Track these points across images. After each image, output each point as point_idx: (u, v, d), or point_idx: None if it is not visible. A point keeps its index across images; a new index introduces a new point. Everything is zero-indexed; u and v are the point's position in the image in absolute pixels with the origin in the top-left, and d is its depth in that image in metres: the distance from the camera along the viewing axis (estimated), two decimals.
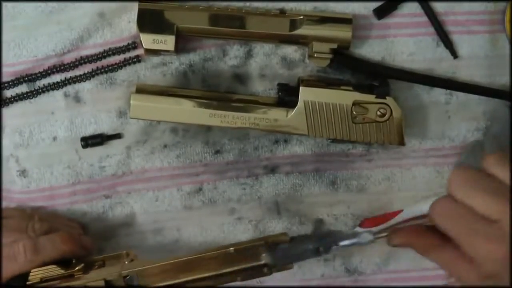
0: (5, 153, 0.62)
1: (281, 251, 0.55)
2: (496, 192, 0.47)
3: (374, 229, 0.57)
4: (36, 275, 0.55)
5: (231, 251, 0.55)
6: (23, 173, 0.63)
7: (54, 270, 0.56)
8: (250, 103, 0.60)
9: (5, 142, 0.62)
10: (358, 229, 0.59)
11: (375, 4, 0.61)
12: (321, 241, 0.55)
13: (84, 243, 0.60)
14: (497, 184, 0.48)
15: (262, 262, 0.55)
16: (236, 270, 0.55)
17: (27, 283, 0.55)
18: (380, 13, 0.61)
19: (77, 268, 0.56)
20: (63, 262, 0.56)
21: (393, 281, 0.66)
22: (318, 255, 0.55)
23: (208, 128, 0.63)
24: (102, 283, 0.54)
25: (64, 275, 0.56)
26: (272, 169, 0.64)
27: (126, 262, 0.56)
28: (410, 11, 0.61)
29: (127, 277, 0.55)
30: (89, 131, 0.62)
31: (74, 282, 0.55)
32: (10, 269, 0.55)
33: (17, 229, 0.58)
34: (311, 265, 0.66)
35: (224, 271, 0.55)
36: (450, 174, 0.50)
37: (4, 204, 0.63)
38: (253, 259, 0.55)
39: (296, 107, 0.59)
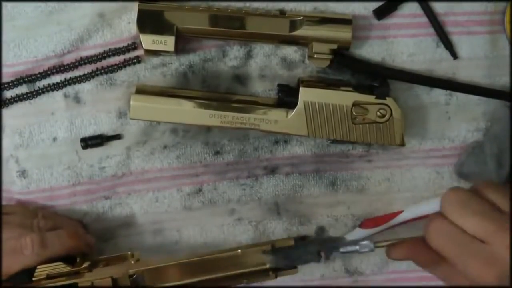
0: (5, 153, 0.62)
1: (283, 254, 0.55)
2: (487, 214, 0.48)
3: (375, 229, 0.57)
4: (42, 271, 0.55)
5: (238, 253, 0.55)
6: (23, 173, 0.62)
7: (60, 267, 0.56)
8: (250, 104, 0.60)
9: (5, 142, 0.62)
10: (358, 229, 0.60)
11: (375, 5, 0.61)
12: (323, 246, 0.55)
13: (88, 240, 0.60)
14: (489, 206, 0.48)
15: (267, 265, 0.55)
16: (242, 273, 0.55)
17: (33, 279, 0.55)
18: (380, 13, 0.61)
19: (83, 266, 0.56)
20: (67, 259, 0.57)
21: (393, 281, 0.66)
22: (319, 259, 0.56)
23: (208, 129, 0.63)
24: (109, 281, 0.55)
25: (70, 273, 0.56)
26: (272, 170, 0.64)
27: (132, 262, 0.56)
28: (410, 12, 0.61)
29: (134, 276, 0.55)
30: (89, 131, 0.62)
31: (81, 279, 0.55)
32: (15, 263, 0.55)
33: (21, 225, 0.58)
34: (311, 266, 0.65)
35: (230, 273, 0.55)
36: (443, 195, 0.51)
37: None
38: (258, 262, 0.55)
39: (296, 108, 0.59)
